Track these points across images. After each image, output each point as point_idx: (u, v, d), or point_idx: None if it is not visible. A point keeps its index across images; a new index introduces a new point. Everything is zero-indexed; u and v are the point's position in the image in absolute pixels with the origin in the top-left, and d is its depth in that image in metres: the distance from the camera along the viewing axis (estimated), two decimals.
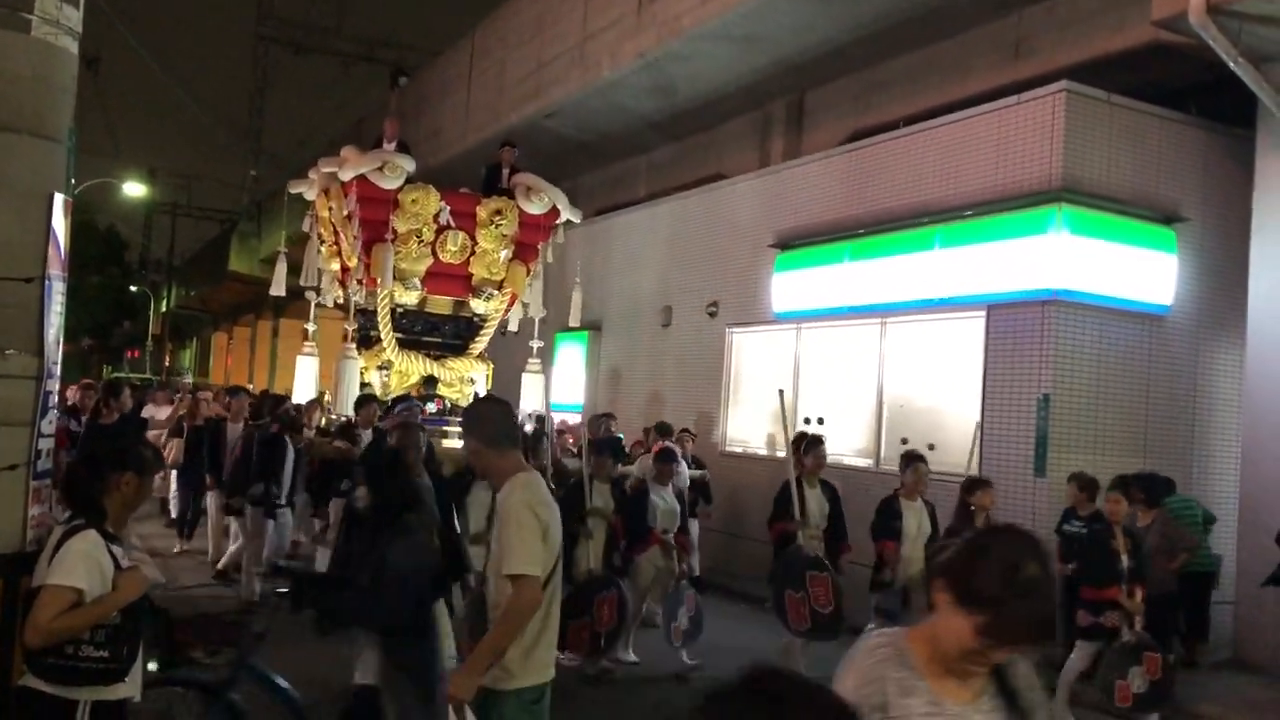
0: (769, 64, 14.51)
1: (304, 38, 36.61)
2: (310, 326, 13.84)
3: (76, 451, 9.12)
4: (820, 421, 8.26)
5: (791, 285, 12.74)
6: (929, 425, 10.94)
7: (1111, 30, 11.17)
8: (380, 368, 12.03)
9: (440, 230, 11.72)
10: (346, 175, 11.31)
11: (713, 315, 14.29)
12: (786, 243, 12.93)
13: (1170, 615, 8.19)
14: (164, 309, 50.70)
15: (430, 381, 11.95)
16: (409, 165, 11.58)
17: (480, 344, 12.62)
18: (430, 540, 4.79)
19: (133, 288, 52.10)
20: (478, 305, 12.39)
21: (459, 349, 12.51)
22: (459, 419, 9.69)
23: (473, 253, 11.98)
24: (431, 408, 11.54)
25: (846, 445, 11.88)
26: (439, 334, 12.45)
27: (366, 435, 9.92)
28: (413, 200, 11.48)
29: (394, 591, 4.17)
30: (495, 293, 12.31)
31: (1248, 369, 9.80)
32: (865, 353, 11.71)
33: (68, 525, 3.44)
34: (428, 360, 12.11)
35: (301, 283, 13.07)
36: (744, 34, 13.52)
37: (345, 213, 11.60)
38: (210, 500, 11.36)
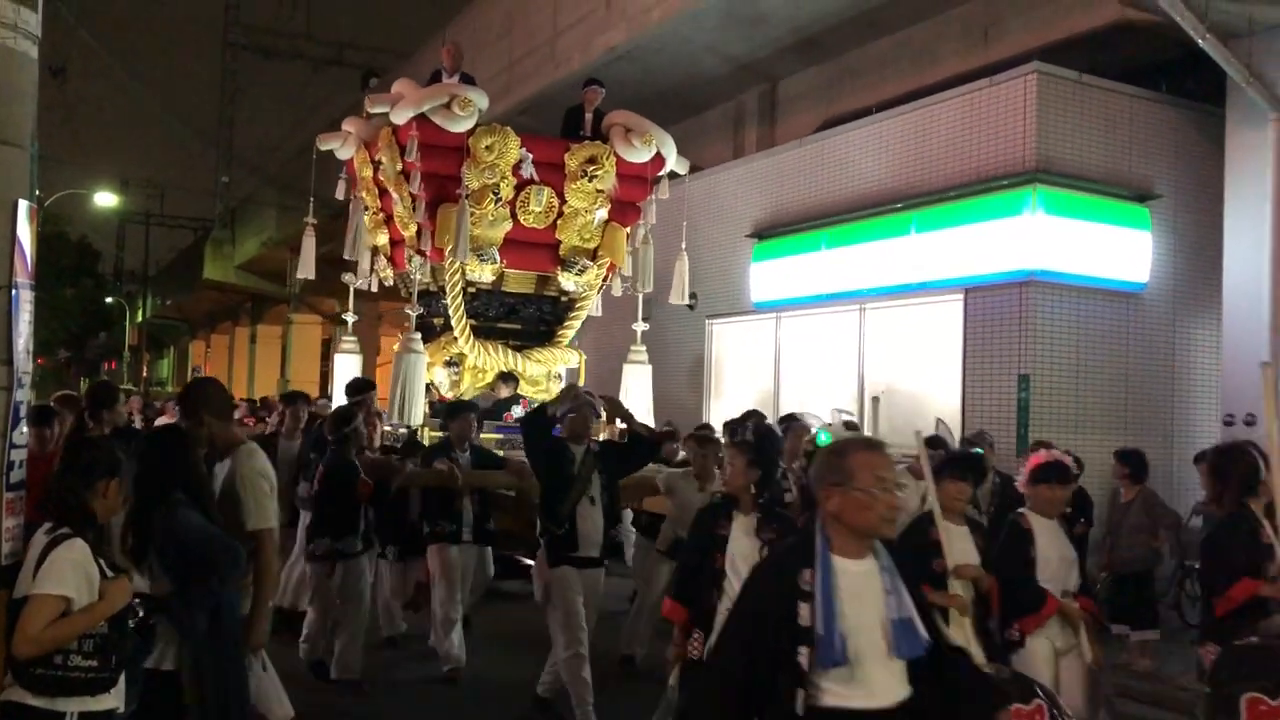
0: (741, 54, 14.49)
1: (272, 43, 36.40)
2: (350, 317, 10.93)
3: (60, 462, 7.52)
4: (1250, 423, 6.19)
5: (770, 274, 12.74)
6: (911, 409, 10.96)
7: (1080, 10, 11.20)
8: (447, 363, 9.67)
9: (521, 185, 9.19)
10: (402, 117, 8.83)
11: (692, 307, 14.27)
12: (764, 232, 12.92)
13: (1149, 593, 7.94)
14: (140, 319, 50.38)
15: (510, 379, 9.52)
16: (482, 100, 9.06)
17: (570, 330, 10.21)
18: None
19: (108, 299, 51.74)
20: (566, 281, 9.75)
21: (544, 337, 10.04)
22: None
23: (560, 214, 9.44)
24: (518, 411, 9.12)
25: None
26: (517, 319, 9.92)
27: (464, 457, 7.38)
28: (487, 146, 8.91)
29: None
30: (589, 264, 9.75)
31: (1225, 344, 9.86)
32: (845, 339, 11.73)
33: (52, 535, 3.40)
34: (509, 351, 9.66)
35: (346, 255, 10.39)
36: (715, 24, 13.50)
37: (399, 167, 9.13)
38: None
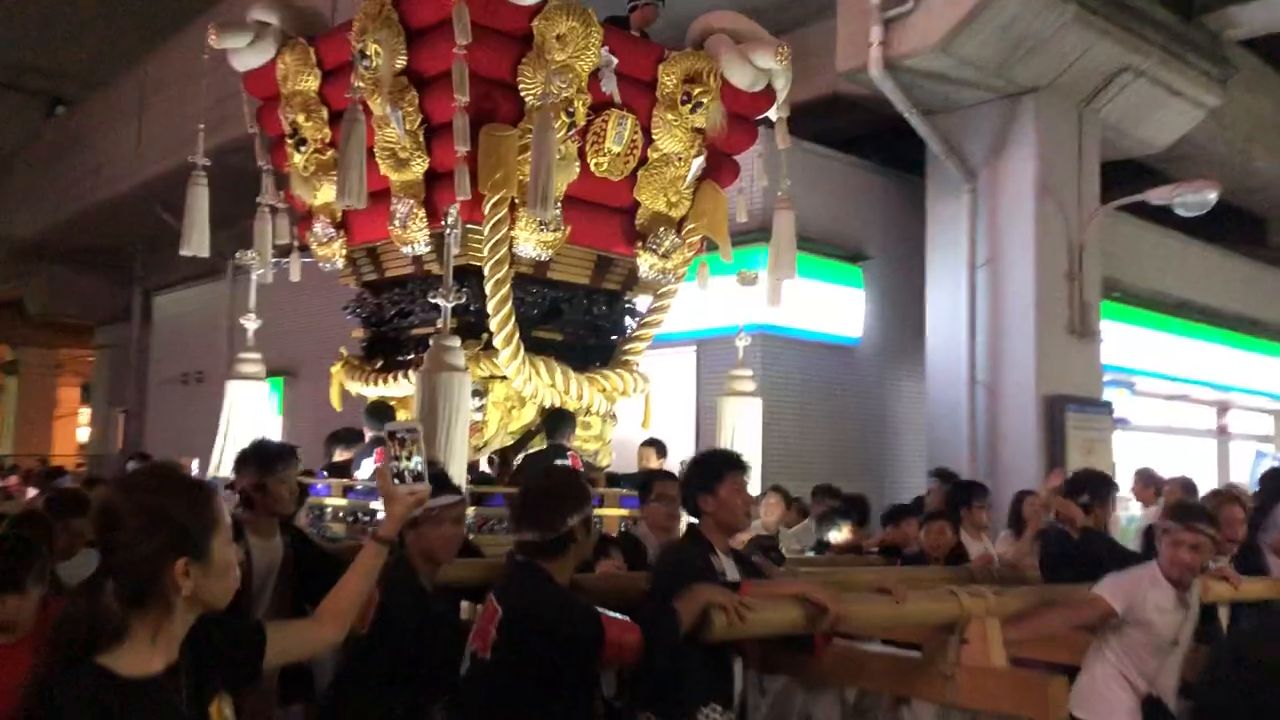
0: None
1: None
2: (251, 323, 6.43)
3: None
4: None
5: None
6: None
7: (799, 80, 11.83)
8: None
9: (598, 109, 5.64)
10: None
11: None
12: None
13: None
14: None
15: (565, 419, 5.91)
16: None
17: (643, 342, 6.73)
18: None
19: None
20: (646, 264, 6.25)
21: (593, 352, 6.38)
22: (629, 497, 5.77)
23: (642, 160, 5.94)
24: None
25: None
26: (560, 323, 6.15)
27: (647, 537, 4.74)
28: (559, 36, 5.35)
29: None
30: (676, 240, 6.31)
31: (929, 397, 10.64)
32: None
33: None
34: (567, 374, 5.86)
35: (349, 203, 5.18)
36: None
37: (399, 63, 5.34)
38: None
